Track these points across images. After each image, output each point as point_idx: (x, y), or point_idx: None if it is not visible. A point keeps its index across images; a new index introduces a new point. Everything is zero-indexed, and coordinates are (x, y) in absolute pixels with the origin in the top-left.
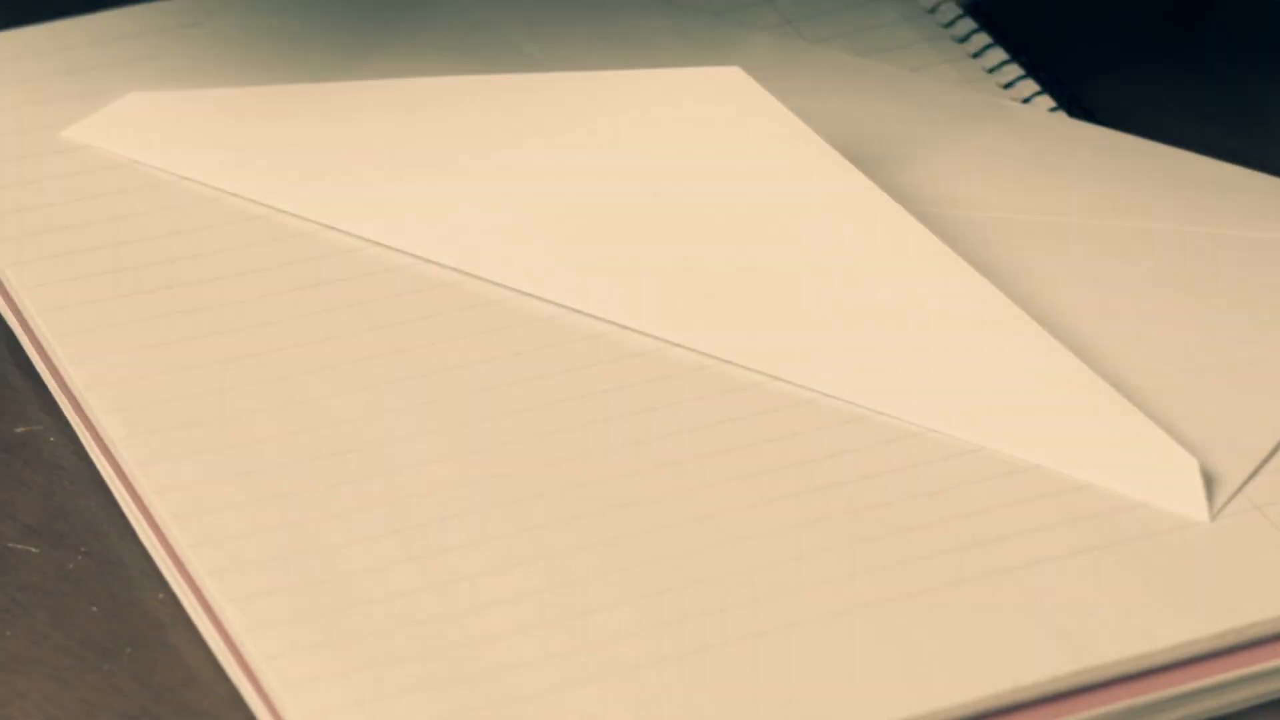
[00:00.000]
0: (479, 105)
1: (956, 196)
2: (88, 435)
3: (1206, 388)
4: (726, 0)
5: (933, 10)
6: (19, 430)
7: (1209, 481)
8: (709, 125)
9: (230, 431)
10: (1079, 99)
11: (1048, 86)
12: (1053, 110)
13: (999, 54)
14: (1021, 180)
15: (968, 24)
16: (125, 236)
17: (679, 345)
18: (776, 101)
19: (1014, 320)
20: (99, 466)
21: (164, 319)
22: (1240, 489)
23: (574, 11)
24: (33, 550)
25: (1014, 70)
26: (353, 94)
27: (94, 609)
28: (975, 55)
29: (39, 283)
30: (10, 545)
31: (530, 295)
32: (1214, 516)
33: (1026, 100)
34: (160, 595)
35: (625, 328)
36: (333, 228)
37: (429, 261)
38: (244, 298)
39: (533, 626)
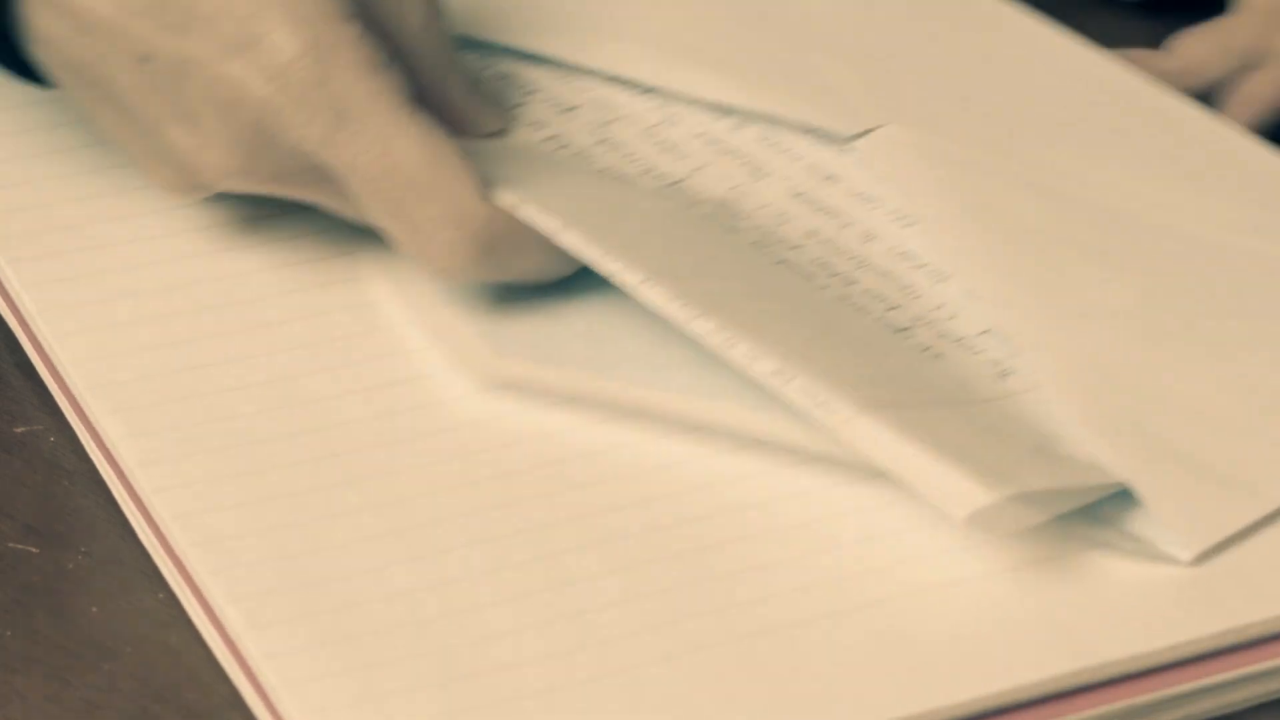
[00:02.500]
0: None
1: (1096, 183)
2: (87, 435)
3: None
4: None
5: None
6: (19, 430)
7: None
8: None
9: (229, 432)
10: None
11: None
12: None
13: None
14: (1173, 183)
15: None
16: (125, 237)
17: None
18: None
19: None
20: (99, 466)
21: (164, 319)
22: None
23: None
24: (33, 550)
25: None
26: None
27: (94, 609)
28: None
29: (39, 282)
30: (10, 545)
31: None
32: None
33: None
34: (160, 595)
35: None
36: None
37: None
38: (243, 299)
39: (533, 626)
